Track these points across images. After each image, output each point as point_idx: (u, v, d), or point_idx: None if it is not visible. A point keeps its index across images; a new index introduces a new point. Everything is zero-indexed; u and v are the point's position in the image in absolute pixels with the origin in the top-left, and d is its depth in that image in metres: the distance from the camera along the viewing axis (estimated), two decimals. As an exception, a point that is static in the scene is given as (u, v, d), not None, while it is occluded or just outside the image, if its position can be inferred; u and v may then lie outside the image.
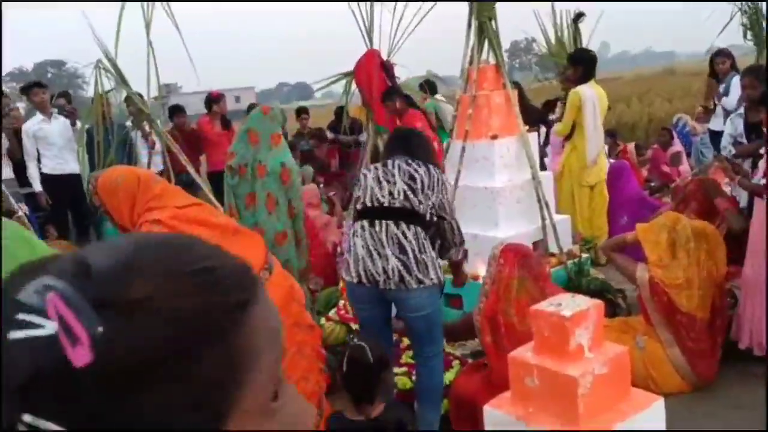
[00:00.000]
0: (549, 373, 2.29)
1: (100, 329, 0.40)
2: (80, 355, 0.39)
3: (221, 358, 0.44)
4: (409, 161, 2.97)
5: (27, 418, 0.40)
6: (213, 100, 7.89)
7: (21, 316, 0.41)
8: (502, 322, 2.94)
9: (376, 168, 3.01)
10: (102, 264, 0.44)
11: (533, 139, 4.75)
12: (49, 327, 0.40)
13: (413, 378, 3.26)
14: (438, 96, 8.34)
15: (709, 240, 3.56)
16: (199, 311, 0.43)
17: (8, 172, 5.77)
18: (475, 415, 3.08)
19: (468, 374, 3.26)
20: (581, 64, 5.67)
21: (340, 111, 7.60)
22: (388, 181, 2.89)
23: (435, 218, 2.92)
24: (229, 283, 0.46)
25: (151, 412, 0.41)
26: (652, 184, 6.59)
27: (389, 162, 2.99)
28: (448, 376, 3.31)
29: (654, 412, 2.39)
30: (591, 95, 5.52)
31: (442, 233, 2.98)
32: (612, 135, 8.51)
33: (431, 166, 2.99)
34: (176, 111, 7.65)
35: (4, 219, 1.75)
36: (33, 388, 0.40)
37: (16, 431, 0.40)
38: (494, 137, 4.52)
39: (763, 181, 3.47)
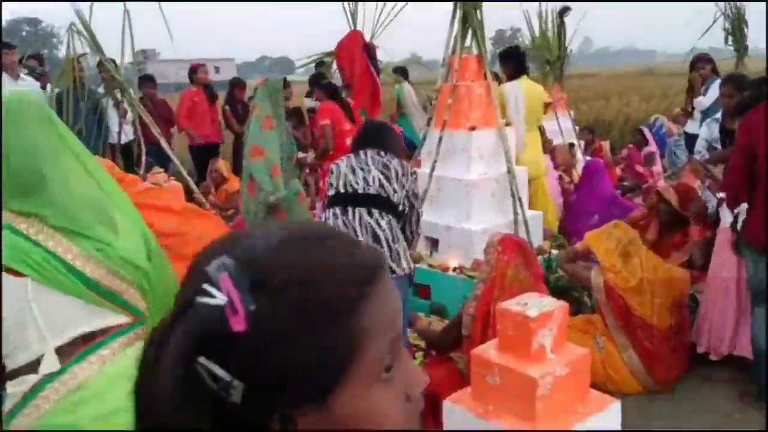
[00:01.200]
0: (510, 372, 2.30)
1: (252, 307, 0.56)
2: (238, 324, 0.55)
3: (338, 336, 0.58)
4: (381, 153, 2.99)
5: (202, 359, 0.55)
6: (193, 70, 7.71)
7: (205, 286, 0.57)
8: (492, 311, 2.95)
9: (348, 158, 3.02)
10: (261, 252, 0.59)
11: (511, 132, 4.74)
12: (220, 298, 0.56)
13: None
14: (406, 83, 8.32)
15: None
16: (324, 301, 0.57)
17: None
18: (437, 407, 3.09)
19: (432, 366, 3.26)
20: (512, 62, 5.73)
21: (315, 78, 7.46)
22: (362, 169, 2.90)
23: (407, 209, 2.91)
24: (354, 277, 0.60)
25: (281, 369, 0.56)
26: (625, 183, 6.65)
27: (361, 153, 3.00)
28: (411, 367, 3.31)
29: (610, 414, 2.42)
30: (514, 91, 5.58)
31: (410, 222, 3.02)
32: (591, 132, 8.56)
33: (402, 160, 3.05)
34: (146, 80, 7.46)
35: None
36: (206, 339, 0.56)
37: (195, 369, 0.55)
38: (472, 129, 4.50)
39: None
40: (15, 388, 1.24)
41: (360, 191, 2.87)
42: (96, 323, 1.34)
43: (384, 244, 2.83)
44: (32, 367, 1.25)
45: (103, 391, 1.29)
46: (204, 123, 7.73)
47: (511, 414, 2.30)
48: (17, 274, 1.26)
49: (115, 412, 1.25)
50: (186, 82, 7.93)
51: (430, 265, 4.41)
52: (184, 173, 6.28)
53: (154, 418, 0.56)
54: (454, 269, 4.30)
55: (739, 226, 3.29)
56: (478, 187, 4.46)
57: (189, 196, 6.21)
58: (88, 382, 1.29)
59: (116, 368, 1.32)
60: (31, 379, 1.24)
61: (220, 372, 0.55)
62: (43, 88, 6.08)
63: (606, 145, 7.35)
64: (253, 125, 3.88)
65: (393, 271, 2.85)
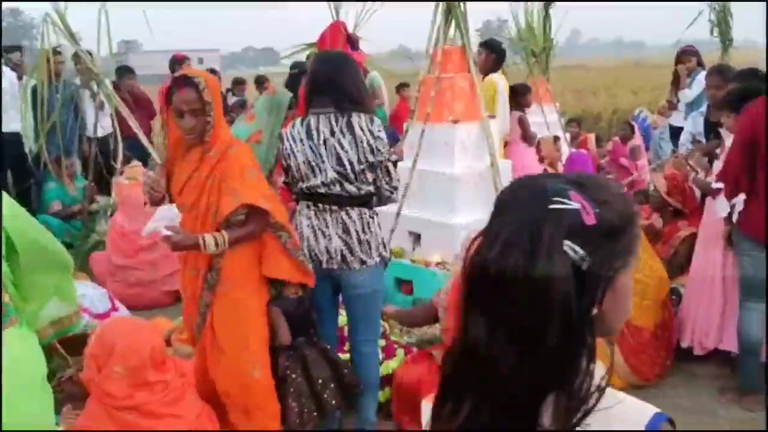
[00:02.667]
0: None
1: (597, 210, 0.86)
2: (590, 219, 0.85)
3: (625, 242, 0.89)
4: (333, 126, 2.71)
5: (567, 242, 0.84)
6: (177, 62, 7.52)
7: (556, 199, 0.86)
8: None
9: (302, 141, 2.75)
10: (582, 180, 0.91)
11: (494, 125, 4.67)
12: (575, 204, 0.85)
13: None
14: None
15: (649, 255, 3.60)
16: (623, 215, 0.89)
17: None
18: (417, 405, 3.03)
19: (412, 363, 3.19)
20: (495, 53, 5.68)
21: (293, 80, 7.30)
22: (320, 169, 2.74)
23: (375, 182, 2.80)
24: (629, 204, 0.92)
25: (611, 250, 0.87)
26: (609, 176, 6.61)
27: (313, 130, 2.74)
28: (392, 365, 3.25)
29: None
30: (502, 87, 5.61)
31: (380, 186, 2.82)
32: (577, 124, 8.52)
33: (356, 126, 2.70)
34: (125, 72, 7.27)
35: None
36: (569, 230, 0.85)
37: (563, 249, 0.84)
38: (456, 121, 4.42)
39: (714, 181, 3.47)
40: None
41: (323, 192, 2.77)
42: None
43: (353, 236, 2.76)
44: None
45: None
46: None
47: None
48: None
49: None
50: (164, 74, 7.74)
51: (412, 260, 4.35)
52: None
53: (549, 275, 0.83)
54: (437, 264, 4.24)
55: (735, 218, 3.26)
56: (461, 181, 4.39)
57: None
58: None
59: None
60: None
61: (579, 250, 0.84)
62: (19, 78, 5.91)
63: (591, 137, 7.31)
64: (239, 136, 3.81)
65: (363, 262, 2.78)
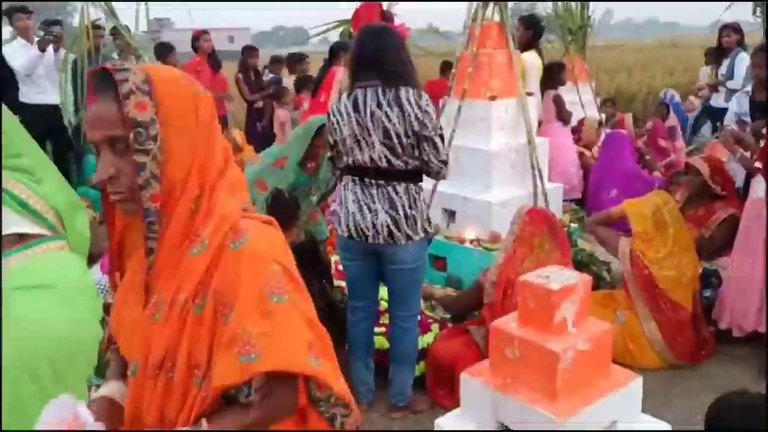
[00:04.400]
0: (530, 345, 2.24)
1: None
2: None
3: None
4: (380, 98, 2.70)
5: None
6: (195, 38, 7.56)
7: None
8: (515, 279, 2.91)
9: (348, 116, 2.76)
10: None
11: (532, 102, 4.62)
12: None
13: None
14: None
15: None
16: None
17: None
18: (452, 380, 3.06)
19: (448, 338, 3.23)
20: (532, 29, 5.58)
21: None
22: (366, 143, 2.74)
23: (421, 157, 2.76)
24: None
25: None
26: (647, 157, 6.49)
27: (360, 103, 2.73)
28: (427, 339, 3.27)
29: (631, 389, 2.36)
30: (533, 63, 5.53)
31: (428, 161, 2.77)
32: (612, 104, 8.37)
33: (404, 100, 2.68)
34: (165, 49, 7.33)
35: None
36: None
37: None
38: (493, 98, 4.38)
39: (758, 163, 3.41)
40: None
41: (370, 166, 2.78)
42: (24, 228, 1.83)
43: (400, 210, 2.76)
44: None
45: (33, 271, 1.79)
46: None
47: (530, 388, 2.25)
48: None
49: (36, 287, 1.77)
50: (190, 50, 7.79)
51: (446, 237, 4.35)
52: (199, 142, 6.23)
53: None
54: (471, 241, 4.24)
55: None
56: (497, 157, 4.37)
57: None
58: (22, 265, 1.78)
59: (46, 261, 1.84)
60: None
61: None
62: (56, 50, 6.00)
63: (629, 117, 7.17)
64: (267, 156, 3.96)
65: (410, 237, 2.78)
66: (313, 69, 9.08)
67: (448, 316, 3.62)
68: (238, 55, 8.34)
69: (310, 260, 3.27)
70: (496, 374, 2.38)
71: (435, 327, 3.38)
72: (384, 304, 3.27)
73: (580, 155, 6.38)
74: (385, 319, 3.32)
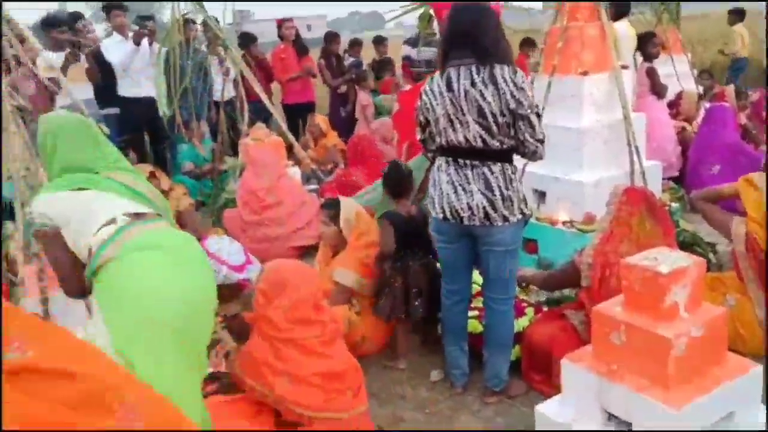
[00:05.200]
0: (639, 331, 2.14)
1: None
2: None
3: None
4: (474, 77, 2.62)
5: None
6: (278, 27, 7.68)
7: None
8: (613, 260, 2.80)
9: (441, 95, 2.69)
10: None
11: (627, 76, 4.39)
12: None
13: (483, 322, 3.17)
14: None
15: None
16: None
17: (88, 93, 5.86)
18: (548, 365, 2.99)
19: (544, 322, 3.14)
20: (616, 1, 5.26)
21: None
22: (461, 123, 2.67)
23: (516, 135, 2.67)
24: None
25: None
26: (753, 132, 6.05)
27: (453, 82, 2.66)
28: (521, 323, 3.20)
29: (751, 379, 2.22)
30: (625, 34, 5.25)
31: (524, 140, 2.68)
32: (710, 75, 7.88)
33: (498, 77, 2.59)
34: (248, 39, 7.50)
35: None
36: None
37: None
38: (584, 73, 4.20)
39: None
40: (103, 234, 2.12)
41: (464, 147, 2.71)
42: (138, 208, 2.24)
43: (496, 191, 2.69)
44: (109, 224, 2.14)
45: (145, 238, 2.15)
46: (293, 81, 7.61)
47: (638, 376, 2.15)
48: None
49: (149, 247, 2.10)
50: (276, 40, 7.93)
51: (537, 219, 4.23)
52: (285, 128, 6.36)
53: None
54: (564, 223, 4.10)
55: None
56: (589, 135, 4.19)
57: (289, 151, 6.31)
58: (138, 234, 2.14)
59: (157, 230, 2.20)
60: (108, 230, 2.11)
61: None
62: (150, 44, 6.26)
63: (730, 90, 6.70)
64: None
65: (506, 219, 2.71)
66: (390, 52, 9.04)
67: (543, 299, 3.53)
68: (316, 43, 8.43)
69: (417, 234, 3.36)
70: (600, 360, 2.29)
71: (530, 311, 3.30)
72: (476, 288, 3.22)
73: (681, 130, 6.03)
74: (477, 303, 3.27)
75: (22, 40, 3.22)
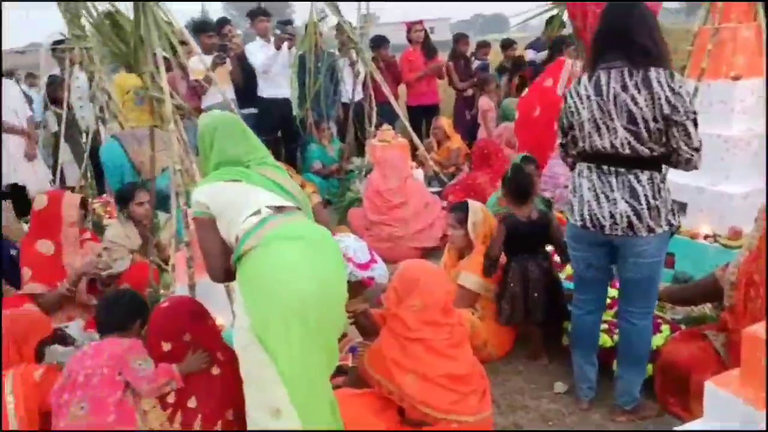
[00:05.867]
0: (797, 359, 1.96)
1: None
2: None
3: None
4: (626, 80, 2.50)
5: None
6: (408, 30, 7.78)
7: None
8: (759, 281, 2.60)
9: (588, 98, 2.60)
10: None
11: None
12: None
13: (614, 337, 3.04)
14: None
15: None
16: None
17: (230, 94, 6.27)
18: (685, 387, 2.81)
19: (682, 342, 2.95)
20: None
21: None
22: (608, 127, 2.56)
23: (669, 143, 2.53)
24: None
25: None
26: None
27: (603, 85, 2.56)
28: (656, 341, 3.03)
29: None
30: None
31: (677, 148, 2.53)
32: None
33: (653, 81, 2.46)
34: (380, 42, 7.68)
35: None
36: None
37: None
38: (736, 78, 3.91)
39: None
40: (249, 223, 2.26)
41: (610, 152, 2.59)
42: (281, 201, 2.35)
43: (643, 200, 2.56)
44: (254, 214, 2.28)
45: (286, 229, 2.27)
46: (418, 82, 7.69)
47: (795, 407, 1.97)
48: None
49: (290, 237, 2.23)
50: (403, 43, 8.03)
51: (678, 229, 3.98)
52: (410, 130, 6.45)
53: None
54: (706, 237, 3.84)
55: None
56: (739, 144, 3.89)
57: (413, 152, 6.39)
58: (280, 225, 2.26)
59: (297, 223, 2.33)
60: (253, 220, 2.26)
61: None
62: (290, 48, 6.59)
63: None
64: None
65: (652, 230, 2.57)
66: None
67: (680, 317, 3.33)
68: (439, 46, 8.42)
69: (538, 238, 3.46)
70: (748, 386, 2.13)
71: (665, 328, 3.12)
72: (607, 300, 3.10)
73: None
74: (607, 316, 3.15)
75: (183, 43, 3.49)
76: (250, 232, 2.23)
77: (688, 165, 2.58)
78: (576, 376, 3.02)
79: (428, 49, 7.69)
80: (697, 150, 2.54)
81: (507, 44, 8.81)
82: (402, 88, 8.12)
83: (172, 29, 3.13)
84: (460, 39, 8.20)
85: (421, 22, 7.89)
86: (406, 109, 7.91)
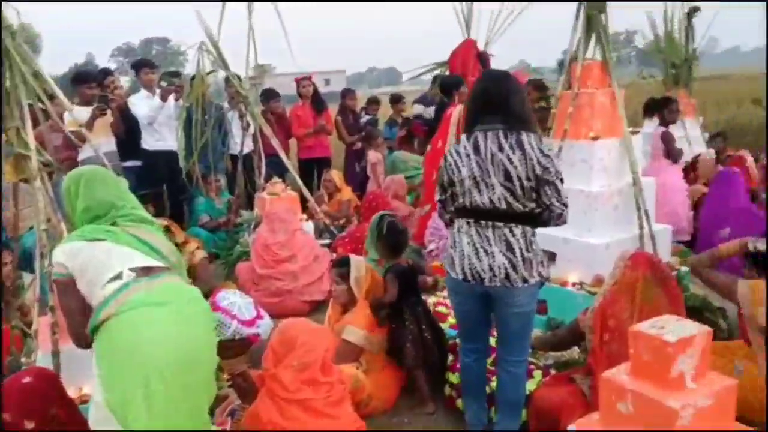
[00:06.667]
0: (646, 400, 2.13)
1: None
2: None
3: None
4: (501, 141, 2.71)
5: None
6: (297, 84, 7.91)
7: None
8: (613, 325, 2.79)
9: (468, 157, 2.77)
10: None
11: (637, 141, 4.48)
12: None
13: (491, 384, 3.16)
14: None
15: None
16: None
17: (111, 146, 6.05)
18: (556, 429, 2.96)
19: (552, 386, 3.11)
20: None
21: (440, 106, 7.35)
22: (486, 185, 2.74)
23: (541, 201, 2.75)
24: None
25: None
26: (762, 195, 6.06)
27: (480, 145, 2.75)
28: (529, 386, 3.18)
29: (760, 453, 2.19)
30: None
31: (549, 205, 2.75)
32: (723, 138, 7.95)
33: (525, 143, 2.69)
34: (270, 95, 7.75)
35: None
36: None
37: None
38: (595, 138, 4.29)
39: None
40: (108, 290, 2.19)
41: (488, 208, 2.77)
42: (149, 262, 2.30)
43: (518, 253, 2.73)
44: (115, 279, 2.22)
45: (148, 294, 2.19)
46: (308, 136, 7.80)
47: (645, 446, 2.14)
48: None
49: (150, 304, 2.16)
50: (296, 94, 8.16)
51: (547, 280, 4.24)
52: (300, 183, 6.49)
53: None
54: (574, 284, 4.12)
55: None
56: (599, 199, 4.25)
57: (303, 205, 6.41)
58: (141, 291, 2.19)
59: (163, 286, 2.24)
60: (113, 285, 2.18)
61: None
62: (177, 100, 6.49)
63: (748, 156, 6.69)
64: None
65: (526, 281, 2.74)
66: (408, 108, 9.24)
67: (551, 362, 3.52)
68: (334, 97, 8.63)
69: (411, 283, 3.66)
70: (608, 428, 2.28)
71: (537, 374, 3.29)
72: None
73: (702, 195, 6.06)
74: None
75: (51, 97, 3.37)
76: (109, 299, 2.15)
77: (559, 220, 2.80)
78: (469, 421, 3.10)
79: (317, 103, 7.83)
80: (566, 205, 2.78)
81: (396, 99, 9.15)
82: (294, 141, 8.18)
83: (42, 84, 3.01)
84: (347, 94, 8.43)
85: (310, 77, 8.04)
86: (297, 162, 7.96)
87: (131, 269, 2.21)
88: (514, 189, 2.70)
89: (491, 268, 2.75)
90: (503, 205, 2.73)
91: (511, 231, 2.74)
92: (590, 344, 2.90)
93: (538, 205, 2.76)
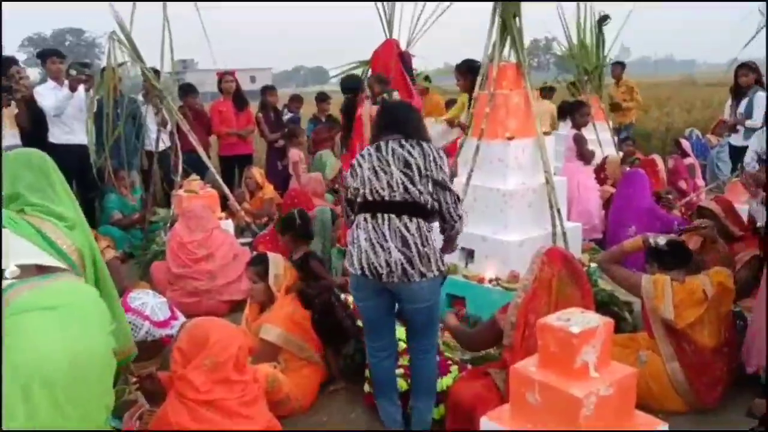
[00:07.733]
0: (552, 390, 2.21)
1: None
2: None
3: None
4: (402, 142, 2.91)
5: None
6: (219, 80, 7.75)
7: None
8: (533, 321, 2.88)
9: (369, 155, 2.93)
10: None
11: (550, 142, 4.64)
12: None
13: (408, 381, 3.19)
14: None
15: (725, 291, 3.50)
16: None
17: (16, 139, 5.70)
18: (472, 423, 3.01)
19: (467, 381, 3.18)
20: (471, 74, 5.55)
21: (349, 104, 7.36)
22: (385, 172, 2.85)
23: (438, 202, 2.89)
24: None
25: None
26: (669, 196, 6.41)
27: (382, 146, 2.92)
28: (446, 381, 3.24)
29: (657, 437, 2.31)
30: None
31: (447, 211, 2.92)
32: (632, 142, 8.37)
33: (424, 144, 2.92)
34: (188, 90, 7.52)
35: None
36: None
37: None
38: (510, 138, 4.42)
39: None
40: None
41: (386, 198, 2.84)
42: (43, 260, 2.16)
43: (413, 248, 2.79)
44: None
45: (35, 296, 2.04)
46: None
47: (552, 434, 2.21)
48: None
49: (36, 308, 2.00)
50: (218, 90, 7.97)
51: (465, 276, 4.33)
52: (220, 181, 6.33)
53: None
54: (490, 281, 4.22)
55: None
56: (515, 197, 4.37)
57: (224, 203, 6.26)
58: (26, 292, 2.03)
59: (53, 288, 2.10)
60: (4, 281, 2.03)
61: None
62: (87, 91, 6.18)
63: (659, 160, 7.07)
64: None
65: (423, 275, 2.80)
66: (333, 108, 9.22)
67: (468, 357, 3.59)
68: (259, 95, 8.49)
69: (313, 273, 3.87)
70: (517, 419, 2.34)
71: (454, 369, 3.34)
72: (402, 345, 3.25)
73: (610, 196, 6.34)
74: (403, 361, 3.30)
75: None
76: None
77: (453, 230, 2.98)
78: (383, 419, 3.13)
79: (239, 100, 7.68)
80: (461, 217, 2.95)
81: (322, 97, 9.10)
82: (214, 137, 7.98)
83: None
84: (267, 90, 8.31)
85: (232, 72, 7.87)
86: (218, 159, 7.77)
87: (19, 265, 2.06)
88: (412, 175, 2.82)
89: (388, 264, 2.80)
90: (401, 189, 2.82)
91: (407, 226, 2.82)
92: (509, 339, 2.97)
93: (438, 208, 2.90)
